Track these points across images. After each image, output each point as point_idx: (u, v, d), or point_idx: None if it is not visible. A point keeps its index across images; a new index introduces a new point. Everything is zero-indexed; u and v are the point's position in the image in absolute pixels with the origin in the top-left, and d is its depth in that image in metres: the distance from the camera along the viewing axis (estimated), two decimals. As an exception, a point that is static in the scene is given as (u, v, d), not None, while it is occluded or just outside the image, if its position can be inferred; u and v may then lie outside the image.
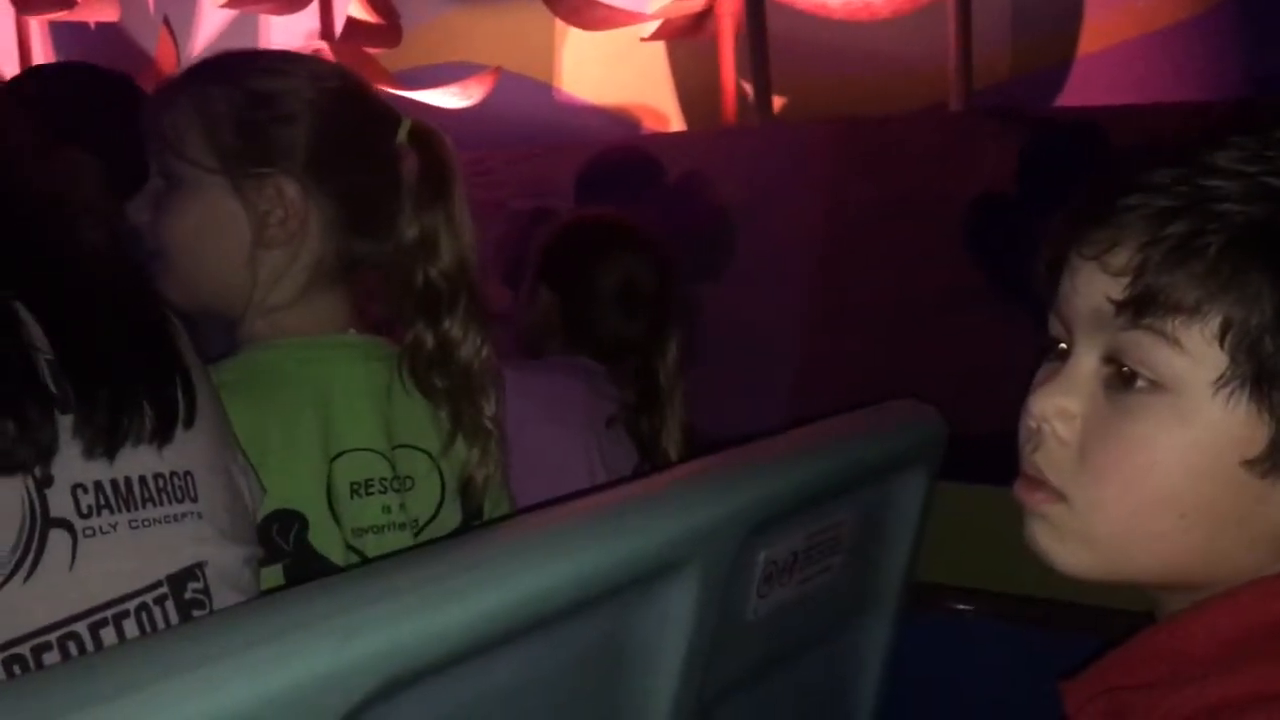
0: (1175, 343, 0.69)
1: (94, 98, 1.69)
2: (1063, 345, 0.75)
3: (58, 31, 6.27)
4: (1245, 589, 0.70)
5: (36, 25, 6.21)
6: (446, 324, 1.24)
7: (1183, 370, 0.69)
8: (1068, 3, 4.21)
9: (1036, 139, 2.93)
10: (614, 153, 3.52)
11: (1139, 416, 0.70)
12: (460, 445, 1.26)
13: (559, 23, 5.29)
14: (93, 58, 5.90)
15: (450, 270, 1.24)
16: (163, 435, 0.92)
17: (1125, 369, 0.71)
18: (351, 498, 1.19)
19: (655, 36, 4.50)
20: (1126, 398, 0.71)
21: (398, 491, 1.22)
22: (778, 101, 4.70)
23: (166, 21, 5.87)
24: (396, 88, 5.04)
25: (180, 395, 0.94)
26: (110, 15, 5.60)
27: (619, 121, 5.15)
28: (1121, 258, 0.70)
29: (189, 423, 0.95)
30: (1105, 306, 0.71)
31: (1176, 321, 0.68)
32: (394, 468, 1.22)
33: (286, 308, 1.22)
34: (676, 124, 5.04)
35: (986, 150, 3.17)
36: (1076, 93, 4.31)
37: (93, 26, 6.28)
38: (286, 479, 1.15)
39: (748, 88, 4.76)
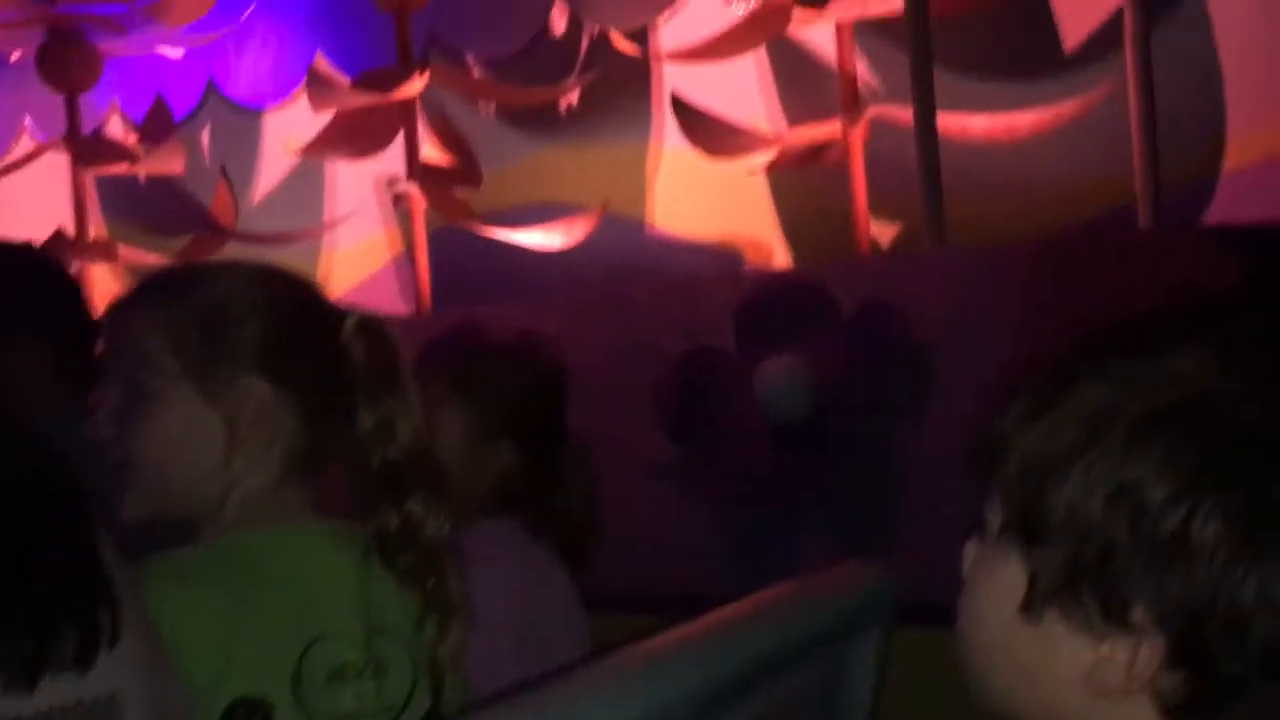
0: (993, 498, 0.77)
1: (40, 281, 1.67)
2: None
3: (104, 183, 6.05)
4: None
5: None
6: (409, 504, 1.28)
7: (993, 522, 0.77)
8: (1208, 117, 4.03)
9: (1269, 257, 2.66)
10: (777, 284, 3.23)
11: (975, 566, 0.79)
12: (430, 625, 1.28)
13: (649, 158, 5.09)
14: (145, 211, 5.65)
15: (409, 449, 1.29)
16: (86, 660, 0.90)
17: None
18: (326, 685, 1.21)
19: (771, 167, 4.27)
20: (981, 547, 0.79)
21: (373, 678, 1.25)
22: (894, 229, 4.47)
23: (224, 171, 5.65)
24: (488, 229, 4.80)
25: (106, 614, 0.92)
26: (175, 168, 5.38)
27: (718, 256, 4.89)
28: (1065, 438, 0.75)
29: (113, 643, 0.94)
30: None
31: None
32: (369, 653, 1.25)
33: (258, 499, 1.26)
34: (781, 257, 4.79)
35: (1195, 269, 2.89)
36: (1223, 208, 4.10)
37: (142, 179, 6.08)
38: (256, 667, 1.17)
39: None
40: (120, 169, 5.43)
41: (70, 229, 5.88)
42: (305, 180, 5.80)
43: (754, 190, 4.82)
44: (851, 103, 3.91)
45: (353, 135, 4.94)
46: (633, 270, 4.90)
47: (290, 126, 5.83)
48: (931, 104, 3.24)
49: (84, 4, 5.17)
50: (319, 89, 4.37)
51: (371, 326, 1.31)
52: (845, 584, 1.32)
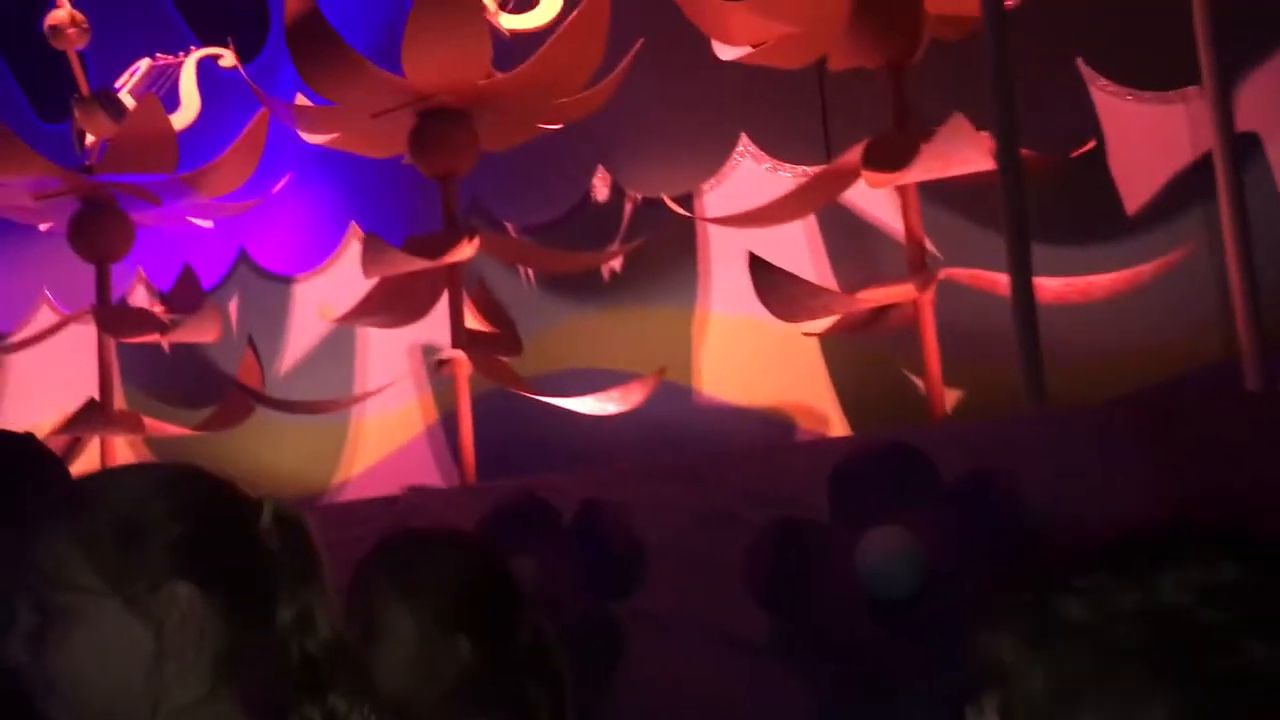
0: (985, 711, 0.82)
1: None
2: None
3: (128, 351, 5.91)
4: None
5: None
6: (331, 699, 1.26)
7: None
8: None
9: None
10: (872, 449, 3.07)
11: None
12: None
13: (695, 323, 5.01)
14: (169, 379, 5.47)
15: (329, 642, 1.27)
16: None
17: None
18: None
19: (830, 332, 4.17)
20: None
21: None
22: (955, 394, 4.36)
23: (251, 341, 5.53)
24: (537, 395, 4.66)
25: None
26: (209, 336, 5.26)
27: (771, 423, 4.76)
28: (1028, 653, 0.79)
29: None
30: None
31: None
32: None
33: (190, 709, 1.24)
34: (837, 425, 4.66)
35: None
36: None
37: (166, 348, 5.95)
38: None
39: (919, 381, 4.43)
40: (150, 338, 5.29)
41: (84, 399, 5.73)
42: (335, 348, 5.69)
43: (806, 356, 4.72)
44: (920, 265, 3.84)
45: (394, 302, 4.84)
46: (681, 437, 4.76)
47: (321, 294, 5.75)
48: (1028, 266, 3.16)
49: (121, 174, 5.13)
50: (373, 254, 4.29)
51: (287, 515, 1.30)
52: None
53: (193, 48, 5.82)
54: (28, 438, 1.73)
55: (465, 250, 4.50)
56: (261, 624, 1.26)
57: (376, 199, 5.66)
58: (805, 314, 3.92)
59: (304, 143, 5.64)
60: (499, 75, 4.59)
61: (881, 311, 4.01)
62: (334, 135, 4.98)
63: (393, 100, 4.50)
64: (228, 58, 5.82)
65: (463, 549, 1.85)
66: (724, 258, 4.95)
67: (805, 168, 4.71)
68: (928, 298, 3.83)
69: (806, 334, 4.45)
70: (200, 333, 5.22)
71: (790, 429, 4.73)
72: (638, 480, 3.64)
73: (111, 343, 5.37)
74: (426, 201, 5.25)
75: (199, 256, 5.96)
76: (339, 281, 5.70)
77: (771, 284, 3.73)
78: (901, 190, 3.96)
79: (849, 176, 4.00)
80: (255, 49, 5.81)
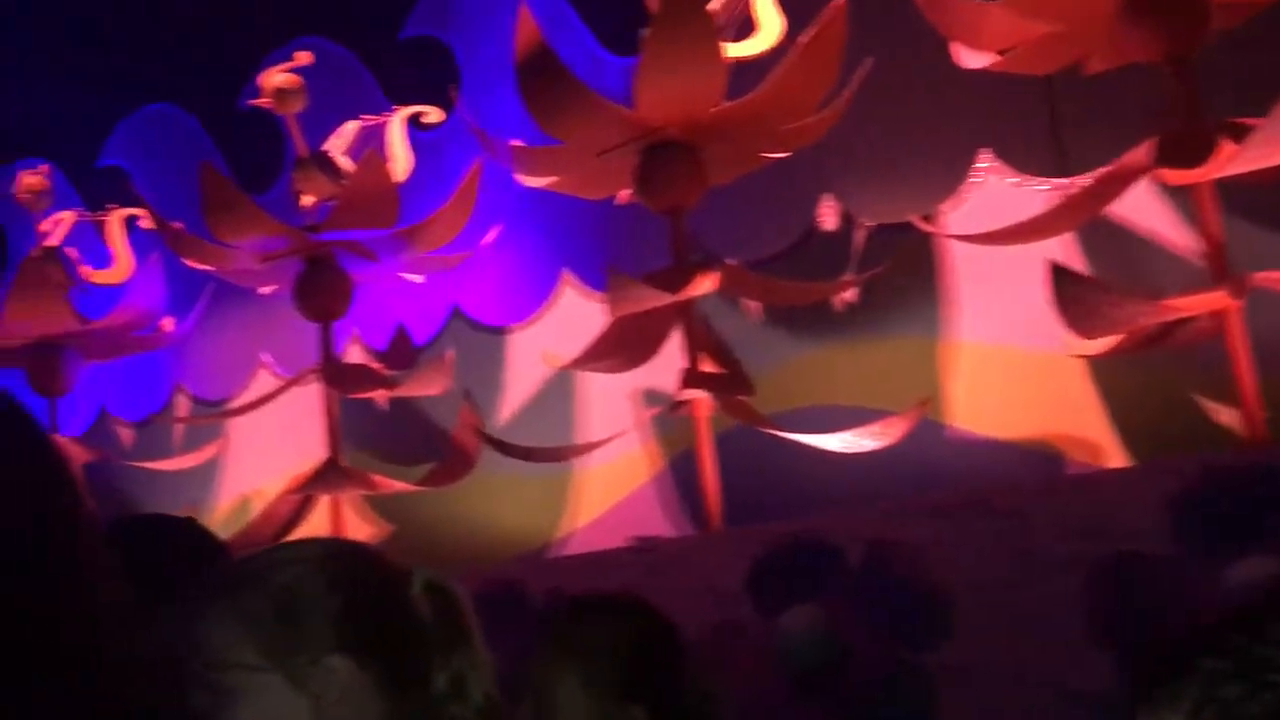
0: None
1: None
2: None
3: (344, 409, 5.89)
4: None
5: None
6: None
7: None
8: None
9: None
10: (1230, 471, 2.71)
11: None
12: None
13: (941, 353, 4.70)
14: (386, 437, 5.34)
15: (482, 707, 1.30)
16: None
17: None
18: None
19: (1116, 350, 3.81)
20: None
21: None
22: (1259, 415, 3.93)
23: (468, 395, 5.42)
24: (784, 434, 4.40)
25: None
26: (438, 388, 5.18)
27: (1034, 456, 4.40)
28: (1177, 717, 0.79)
29: None
30: None
31: None
32: None
33: None
34: (1114, 455, 4.27)
35: None
36: None
37: (386, 406, 5.92)
38: None
39: (1204, 402, 4.03)
40: (376, 394, 5.24)
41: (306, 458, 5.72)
42: (553, 399, 5.56)
43: (1072, 382, 4.36)
44: (1223, 271, 3.47)
45: (623, 345, 4.67)
46: (932, 474, 4.43)
47: (535, 344, 5.65)
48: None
49: (345, 230, 5.12)
50: (618, 289, 4.12)
51: (437, 584, 1.33)
52: None
53: (396, 107, 5.83)
54: (189, 521, 1.75)
55: (704, 284, 4.31)
56: (417, 692, 1.29)
57: (588, 245, 5.54)
58: (1105, 327, 3.58)
59: (512, 193, 5.59)
60: (727, 104, 4.42)
61: (1172, 327, 3.64)
62: (552, 180, 4.87)
63: (621, 135, 4.36)
64: (433, 114, 5.82)
65: (629, 615, 1.82)
66: (972, 283, 4.63)
67: (1060, 179, 4.38)
68: (1238, 306, 3.45)
69: (1077, 355, 4.09)
70: (428, 385, 5.15)
71: (1057, 462, 4.36)
72: (930, 517, 3.34)
73: (337, 400, 5.34)
74: (638, 244, 5.10)
75: (411, 313, 5.94)
76: (553, 330, 5.58)
77: (1074, 295, 3.41)
78: (1196, 191, 3.60)
79: (1126, 181, 3.66)
80: (446, 108, 5.79)
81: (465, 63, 6.01)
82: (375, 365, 5.61)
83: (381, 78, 6.17)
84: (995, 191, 4.64)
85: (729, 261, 5.09)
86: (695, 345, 4.49)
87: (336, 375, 5.22)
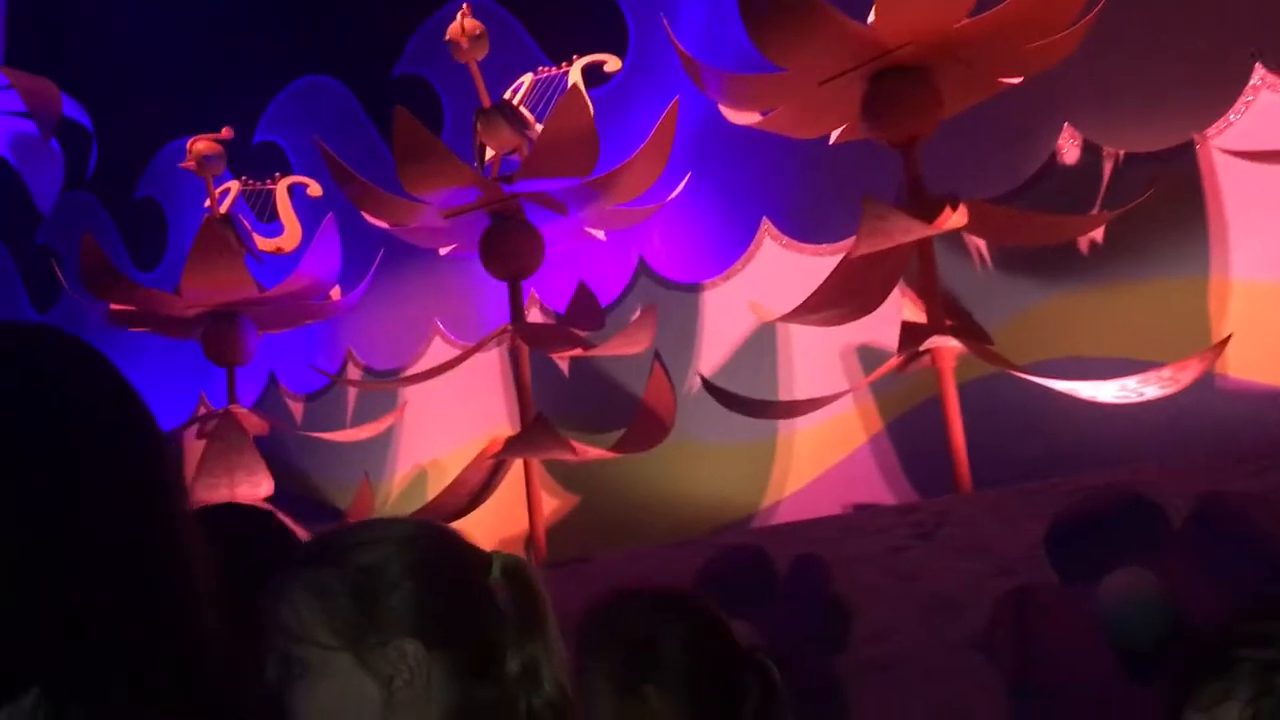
0: None
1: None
2: None
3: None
4: None
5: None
6: None
7: None
8: None
9: None
10: None
11: None
12: None
13: (1211, 295, 4.20)
14: (569, 403, 5.04)
15: (553, 698, 1.32)
16: None
17: None
18: None
19: None
20: None
21: None
22: None
23: (658, 357, 5.08)
24: (1046, 381, 3.95)
25: None
26: (640, 345, 4.85)
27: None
28: (1233, 712, 0.78)
29: None
30: None
31: None
32: None
33: None
34: None
35: None
36: None
37: (566, 372, 5.63)
38: None
39: None
40: (574, 353, 4.93)
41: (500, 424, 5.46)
42: (754, 358, 5.18)
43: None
44: None
45: (844, 295, 4.27)
46: (1206, 428, 3.95)
47: (732, 301, 5.29)
48: None
49: (542, 177, 4.81)
50: (874, 219, 3.72)
51: (515, 568, 1.34)
52: None
53: (575, 56, 5.51)
54: (268, 514, 1.71)
55: (956, 218, 3.88)
56: (490, 678, 1.31)
57: (792, 191, 5.16)
58: None
59: (706, 139, 5.24)
60: (969, 20, 3.99)
61: None
62: (759, 118, 4.49)
63: (854, 57, 3.96)
64: (612, 62, 5.49)
65: (678, 609, 1.78)
66: (1247, 213, 4.13)
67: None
68: None
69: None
70: (629, 343, 4.83)
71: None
72: (1246, 471, 2.89)
73: (527, 364, 5.04)
74: (850, 189, 4.68)
75: (593, 271, 5.63)
76: (751, 285, 5.21)
77: None
78: None
79: None
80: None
81: (631, 19, 5.69)
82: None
83: (540, 35, 5.89)
84: (1268, 107, 4.12)
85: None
86: (935, 289, 4.07)
87: (531, 335, 4.91)
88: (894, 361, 4.12)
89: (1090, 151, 4.43)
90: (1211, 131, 4.20)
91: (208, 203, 5.93)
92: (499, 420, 5.71)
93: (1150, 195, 4.02)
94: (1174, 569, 2.77)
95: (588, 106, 4.64)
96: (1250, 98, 4.15)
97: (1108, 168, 4.37)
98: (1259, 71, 4.13)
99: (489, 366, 5.79)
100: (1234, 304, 4.12)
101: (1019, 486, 3.49)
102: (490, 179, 5.01)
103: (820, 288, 4.29)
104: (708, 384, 4.48)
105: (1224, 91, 4.18)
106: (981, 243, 4.57)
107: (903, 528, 3.40)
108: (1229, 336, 3.71)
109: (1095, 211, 4.33)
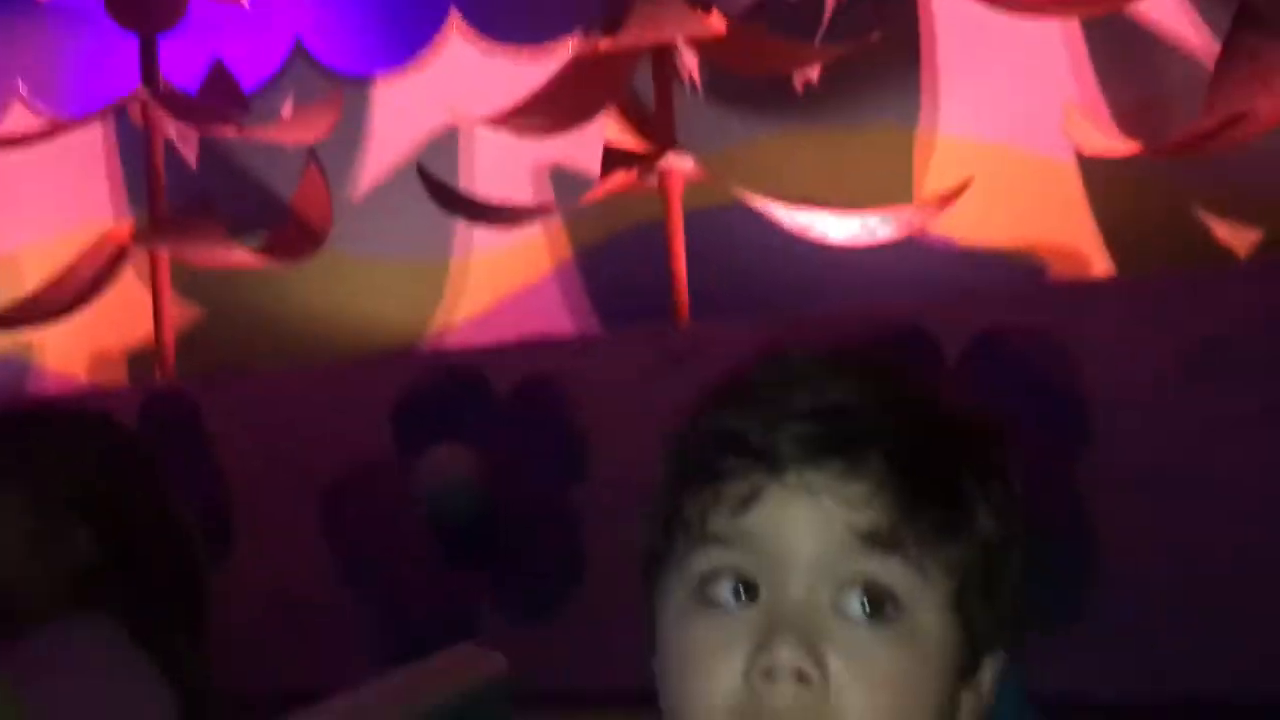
0: (920, 568, 0.71)
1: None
2: (738, 586, 0.72)
3: (132, 166, 4.66)
4: None
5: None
6: None
7: (924, 594, 0.71)
8: None
9: None
10: None
11: (898, 648, 0.71)
12: None
13: (918, 148, 4.23)
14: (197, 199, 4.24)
15: None
16: None
17: (872, 600, 0.71)
18: None
19: (1166, 152, 3.49)
20: (878, 630, 0.71)
21: None
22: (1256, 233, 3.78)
23: (312, 154, 4.41)
24: (771, 211, 3.79)
25: None
26: (316, 134, 4.12)
27: (1013, 266, 4.07)
28: (860, 487, 0.70)
29: None
30: (844, 537, 0.70)
31: (923, 546, 0.70)
32: None
33: None
34: (1100, 266, 4.01)
35: None
36: None
37: (195, 164, 4.73)
38: None
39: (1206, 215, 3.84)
40: (227, 133, 4.12)
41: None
42: (431, 167, 4.62)
43: (1060, 188, 4.04)
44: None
45: (560, 102, 3.87)
46: (900, 280, 4.01)
47: (408, 101, 4.67)
48: None
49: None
50: (648, 6, 3.27)
51: None
52: (461, 670, 1.32)
53: None
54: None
55: (716, 24, 3.56)
56: None
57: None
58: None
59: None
60: None
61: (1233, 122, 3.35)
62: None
63: None
64: None
65: (84, 427, 1.66)
66: (957, 68, 4.18)
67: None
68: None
69: (1091, 154, 3.75)
70: (298, 131, 4.10)
71: (1038, 272, 4.05)
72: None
73: (160, 140, 4.15)
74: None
75: (235, 50, 4.74)
76: (436, 84, 4.61)
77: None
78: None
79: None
80: None
81: None
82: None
83: None
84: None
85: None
86: (669, 109, 3.76)
87: (175, 103, 4.04)
88: (621, 180, 3.78)
89: (815, -14, 4.29)
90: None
91: None
92: (100, 208, 4.74)
93: (874, 38, 3.94)
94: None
95: None
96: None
97: (830, 5, 4.25)
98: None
99: (88, 144, 4.77)
100: (938, 158, 4.18)
101: (781, 313, 3.31)
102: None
103: (536, 91, 3.85)
104: (424, 173, 3.90)
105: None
106: (694, 69, 4.32)
107: (647, 354, 3.12)
108: (968, 182, 3.74)
109: (815, 48, 4.20)
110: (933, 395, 0.74)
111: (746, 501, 0.71)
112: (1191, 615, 2.66)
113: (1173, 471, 2.72)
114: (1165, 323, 3.04)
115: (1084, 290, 3.32)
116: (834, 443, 0.71)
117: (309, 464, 3.57)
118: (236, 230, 4.56)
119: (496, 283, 4.57)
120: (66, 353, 4.70)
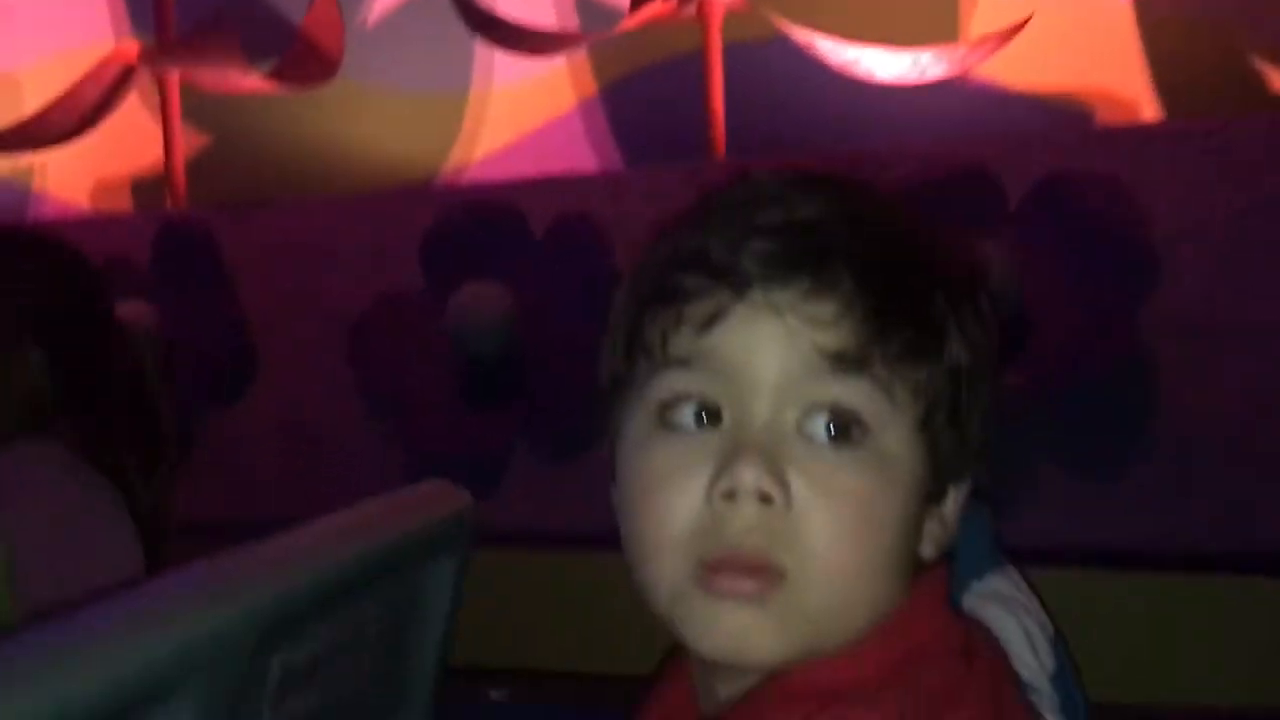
0: (888, 391, 0.69)
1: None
2: (700, 410, 0.69)
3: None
4: (895, 619, 0.69)
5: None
6: None
7: (890, 418, 0.69)
8: None
9: None
10: None
11: (862, 470, 0.68)
12: None
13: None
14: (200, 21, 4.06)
15: None
16: None
17: (837, 422, 0.68)
18: None
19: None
20: (843, 453, 0.69)
21: None
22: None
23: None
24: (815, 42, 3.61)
25: None
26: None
27: (1061, 112, 3.92)
28: (828, 306, 0.67)
29: None
30: (811, 358, 0.68)
31: (892, 369, 0.68)
32: None
33: None
34: (1149, 111, 3.87)
35: None
36: None
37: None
38: None
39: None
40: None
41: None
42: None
43: (1114, 34, 3.87)
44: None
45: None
46: (943, 128, 3.87)
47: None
48: None
49: None
50: None
51: None
52: (424, 504, 1.28)
53: None
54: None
55: None
56: None
57: None
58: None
59: None
60: None
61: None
62: None
63: None
64: None
65: (36, 249, 1.62)
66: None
67: None
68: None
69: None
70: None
71: (1085, 118, 3.91)
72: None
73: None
74: None
75: None
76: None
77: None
78: None
79: None
80: None
81: None
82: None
83: None
84: None
85: None
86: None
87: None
88: (658, 8, 3.59)
89: None
90: None
91: None
92: (100, 27, 4.51)
93: None
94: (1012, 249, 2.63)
95: None
96: None
97: None
98: None
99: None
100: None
101: (830, 149, 3.18)
102: None
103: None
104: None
105: None
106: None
107: (684, 191, 2.99)
108: (1027, 19, 3.56)
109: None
110: (910, 218, 0.70)
111: (709, 322, 0.67)
112: (1249, 467, 2.63)
113: (1237, 321, 2.66)
114: (1231, 168, 2.93)
115: (1148, 134, 3.19)
116: (801, 260, 0.67)
117: (331, 297, 3.47)
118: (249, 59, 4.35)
119: (518, 116, 4.40)
120: (69, 178, 4.55)
